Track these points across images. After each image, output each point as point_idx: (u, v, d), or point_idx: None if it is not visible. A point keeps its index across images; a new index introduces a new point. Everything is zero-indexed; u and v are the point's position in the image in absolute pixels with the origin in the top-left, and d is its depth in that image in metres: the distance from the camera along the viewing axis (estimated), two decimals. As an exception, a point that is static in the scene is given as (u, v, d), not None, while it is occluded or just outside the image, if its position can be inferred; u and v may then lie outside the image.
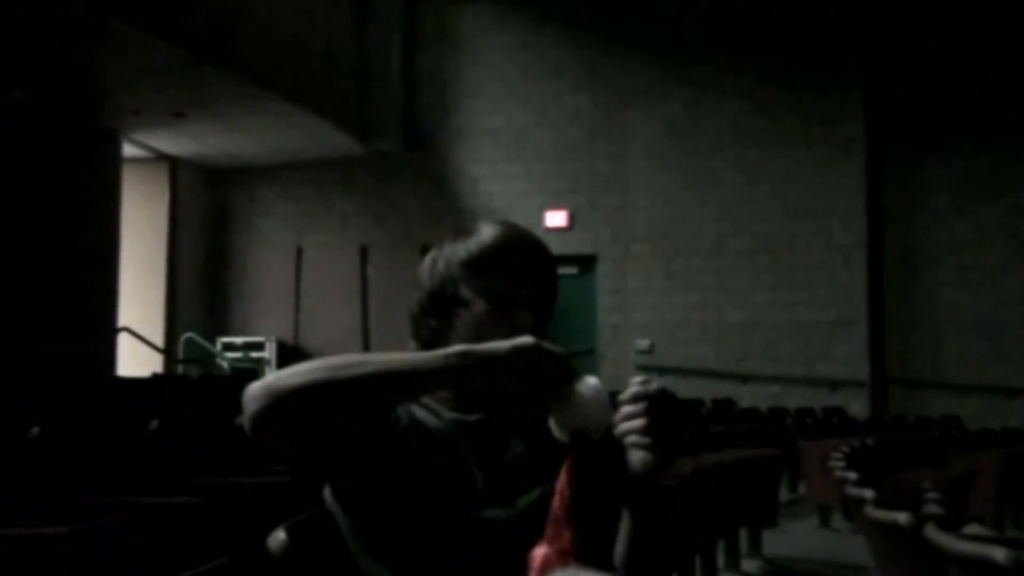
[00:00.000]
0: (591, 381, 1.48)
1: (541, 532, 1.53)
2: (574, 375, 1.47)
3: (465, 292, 1.64)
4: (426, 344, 1.69)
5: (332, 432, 1.44)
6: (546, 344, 1.45)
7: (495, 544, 1.55)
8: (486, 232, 1.68)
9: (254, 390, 1.39)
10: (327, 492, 1.60)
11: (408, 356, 1.44)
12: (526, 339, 1.44)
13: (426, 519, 1.54)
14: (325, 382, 1.39)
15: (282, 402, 1.38)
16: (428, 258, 1.72)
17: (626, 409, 1.53)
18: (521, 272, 1.65)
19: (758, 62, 13.09)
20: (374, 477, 1.53)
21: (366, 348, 13.18)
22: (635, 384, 1.55)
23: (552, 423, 1.48)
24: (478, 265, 1.65)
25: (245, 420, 1.41)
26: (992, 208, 12.60)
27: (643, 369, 12.53)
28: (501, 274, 1.64)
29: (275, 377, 1.41)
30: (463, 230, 1.72)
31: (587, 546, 1.44)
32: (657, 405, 1.52)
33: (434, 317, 1.67)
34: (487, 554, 1.55)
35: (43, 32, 9.16)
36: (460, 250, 1.68)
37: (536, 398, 1.46)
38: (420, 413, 1.62)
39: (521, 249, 1.67)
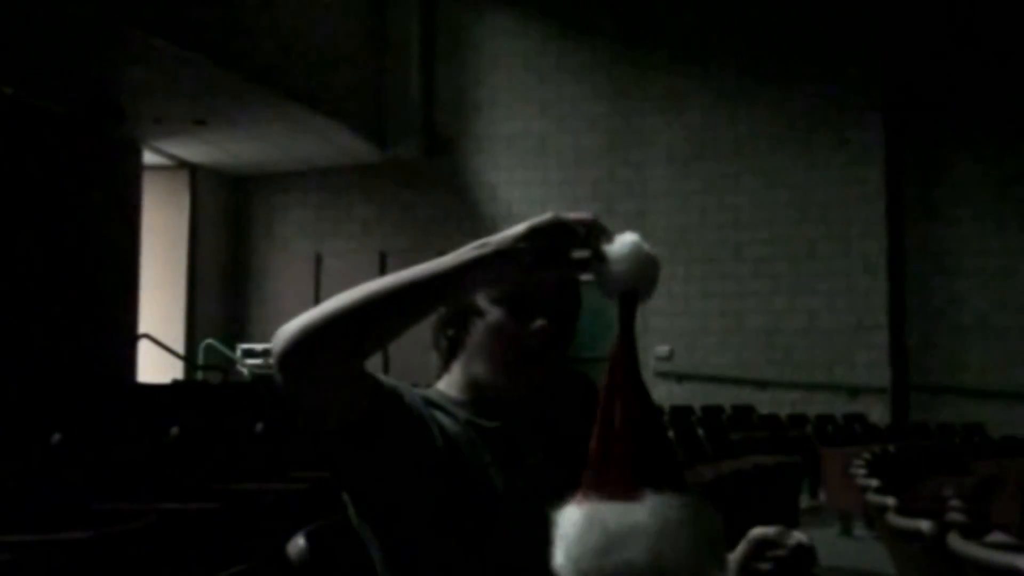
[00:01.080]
0: (628, 237, 1.44)
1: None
2: (605, 234, 1.43)
3: (481, 302, 1.64)
4: (444, 354, 1.70)
5: (367, 353, 1.42)
6: (565, 214, 1.42)
7: (515, 546, 1.55)
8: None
9: (286, 329, 1.39)
10: (352, 512, 1.60)
11: (430, 263, 1.41)
12: (543, 215, 1.41)
13: (446, 522, 1.54)
14: (354, 303, 1.38)
15: (316, 330, 1.37)
16: None
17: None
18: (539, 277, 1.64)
19: (777, 68, 13.05)
20: (404, 478, 1.53)
21: (384, 353, 13.20)
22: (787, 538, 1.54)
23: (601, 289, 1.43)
24: None
25: (277, 361, 1.39)
26: (1013, 214, 12.52)
27: (662, 376, 12.49)
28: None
29: (305, 314, 1.40)
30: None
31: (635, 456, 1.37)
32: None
33: (451, 326, 1.68)
34: (507, 556, 1.54)
35: (64, 41, 9.22)
36: None
37: (568, 274, 1.44)
38: (441, 418, 1.62)
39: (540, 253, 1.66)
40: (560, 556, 1.35)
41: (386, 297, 1.39)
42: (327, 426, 1.50)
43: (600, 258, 1.41)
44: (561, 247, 1.40)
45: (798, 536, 1.53)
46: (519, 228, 1.40)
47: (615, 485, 1.35)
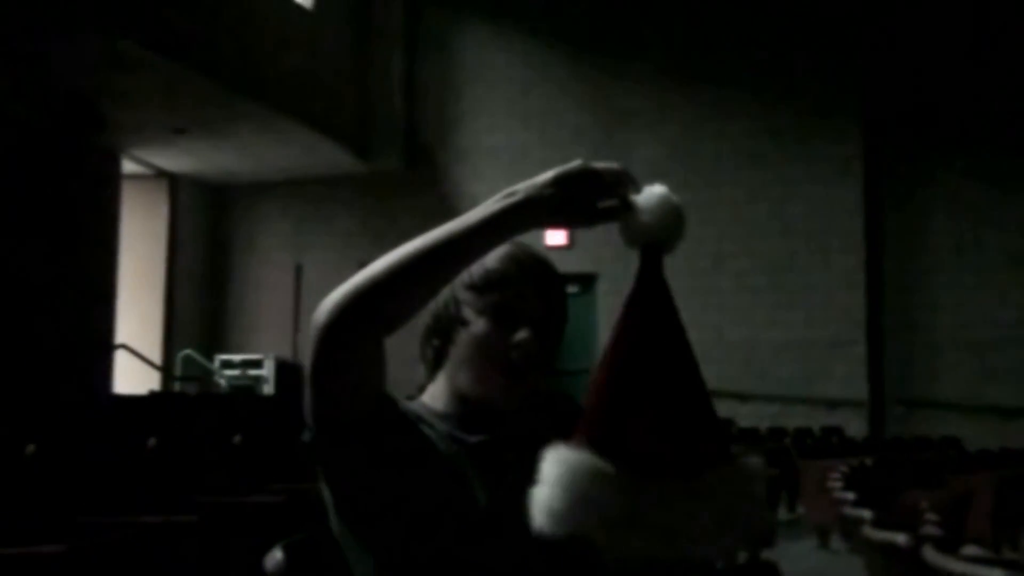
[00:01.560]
0: (657, 189, 1.44)
1: (547, 551, 1.52)
2: (634, 183, 1.43)
3: (466, 312, 1.64)
4: (430, 364, 1.70)
5: (409, 315, 1.46)
6: (593, 163, 1.43)
7: (498, 562, 1.55)
8: (491, 254, 1.69)
9: (330, 299, 1.45)
10: (328, 504, 1.60)
11: (460, 219, 1.45)
12: (572, 163, 1.42)
13: (430, 535, 1.54)
14: (394, 266, 1.44)
15: (363, 295, 1.43)
16: None
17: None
18: (522, 289, 1.64)
19: (758, 83, 13.12)
20: (390, 485, 1.54)
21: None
22: None
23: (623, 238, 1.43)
24: (480, 285, 1.64)
25: (322, 330, 1.44)
26: (991, 228, 12.61)
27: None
28: (501, 290, 1.63)
29: (347, 283, 1.46)
30: None
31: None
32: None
33: (436, 336, 1.68)
34: (493, 568, 1.55)
35: (43, 49, 9.18)
36: (465, 273, 1.67)
37: (595, 223, 1.45)
38: (425, 430, 1.62)
39: (522, 266, 1.66)
40: (542, 497, 1.35)
41: (423, 257, 1.44)
42: (341, 415, 1.50)
43: (627, 207, 1.42)
44: (589, 195, 1.42)
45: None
46: (547, 175, 1.42)
47: (598, 435, 1.35)
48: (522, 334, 1.60)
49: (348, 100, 13.39)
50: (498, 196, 1.44)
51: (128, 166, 12.47)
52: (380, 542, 1.55)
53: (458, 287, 1.66)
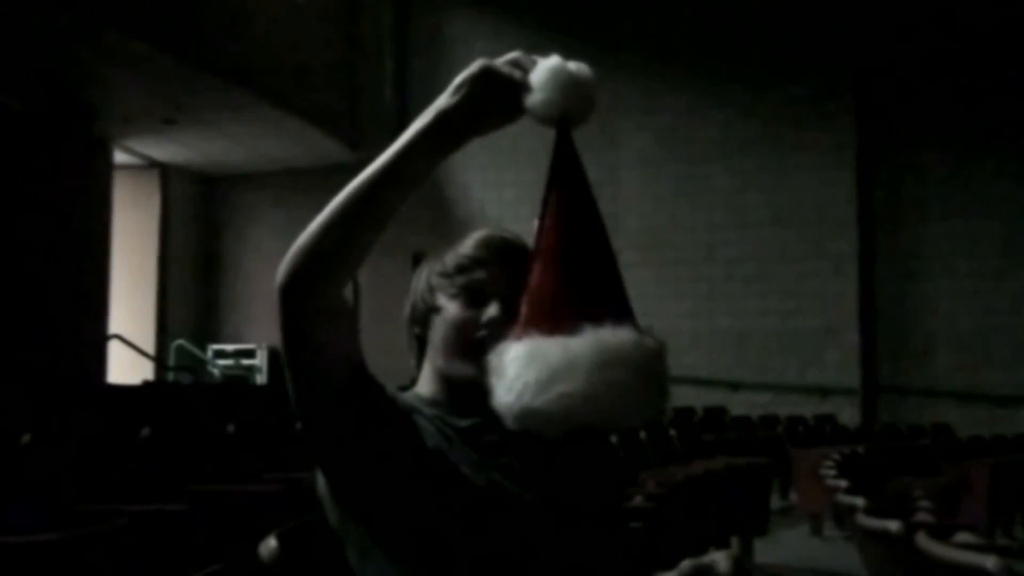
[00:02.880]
0: (547, 62, 1.41)
1: (545, 531, 1.53)
2: (531, 64, 1.42)
3: (440, 298, 1.68)
4: (416, 353, 1.72)
5: (359, 259, 1.48)
6: (492, 60, 1.44)
7: (496, 544, 1.55)
8: (465, 240, 1.72)
9: (280, 267, 1.46)
10: (323, 491, 1.60)
11: (387, 151, 1.48)
12: (471, 66, 1.43)
13: (427, 519, 1.54)
14: (332, 213, 1.46)
15: (309, 246, 1.44)
16: (418, 268, 1.77)
17: None
18: (490, 269, 1.67)
19: (749, 70, 13.12)
20: (383, 469, 1.54)
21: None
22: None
23: (536, 119, 1.43)
24: (451, 271, 1.69)
25: (280, 292, 1.46)
26: (983, 216, 12.62)
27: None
28: (470, 273, 1.67)
29: (295, 242, 1.47)
30: (452, 240, 1.75)
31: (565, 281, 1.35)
32: None
33: (416, 324, 1.72)
34: (490, 549, 1.55)
35: (33, 39, 9.15)
36: (439, 261, 1.72)
37: (507, 118, 1.47)
38: (417, 418, 1.63)
39: (491, 247, 1.69)
40: (501, 392, 1.37)
41: (355, 198, 1.46)
42: (328, 384, 1.51)
43: (528, 90, 1.41)
44: (493, 91, 1.43)
45: (727, 559, 1.49)
46: (451, 86, 1.44)
47: (553, 319, 1.36)
48: (491, 311, 1.63)
49: (339, 90, 13.36)
50: (419, 118, 1.46)
51: (119, 156, 12.43)
52: (378, 526, 1.56)
53: (432, 275, 1.71)
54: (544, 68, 1.40)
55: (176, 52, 9.88)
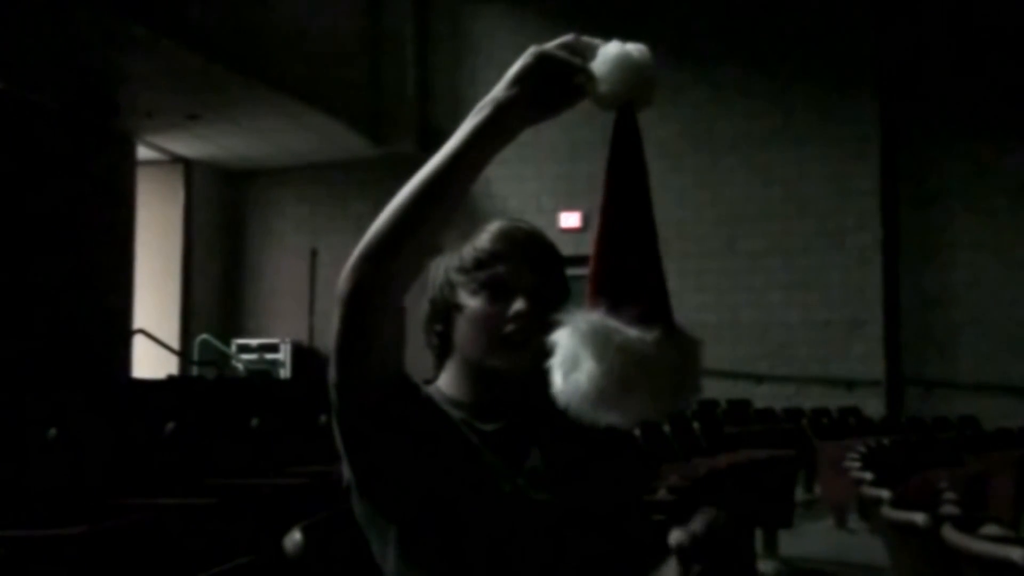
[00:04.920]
0: (610, 49, 1.40)
1: (567, 538, 1.52)
2: (591, 49, 1.40)
3: (461, 295, 1.65)
4: (437, 352, 1.71)
5: (425, 255, 1.49)
6: (546, 46, 1.41)
7: (522, 547, 1.55)
8: (482, 234, 1.70)
9: (343, 272, 1.46)
10: (352, 487, 1.60)
11: (444, 147, 1.51)
12: (526, 55, 1.42)
13: (453, 520, 1.54)
14: (394, 214, 1.47)
15: (374, 247, 1.45)
16: (432, 264, 1.73)
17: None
18: (512, 262, 1.64)
19: (772, 62, 13.06)
20: (411, 469, 1.54)
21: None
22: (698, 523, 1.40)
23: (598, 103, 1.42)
24: (471, 266, 1.66)
25: (344, 296, 1.45)
26: (1008, 207, 12.53)
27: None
28: (491, 267, 1.64)
29: (358, 246, 1.47)
30: (469, 233, 1.73)
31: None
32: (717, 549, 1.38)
33: (438, 323, 1.69)
34: (514, 556, 1.55)
35: (57, 34, 9.20)
36: (456, 256, 1.69)
37: (568, 104, 1.45)
38: (442, 417, 1.62)
39: (511, 241, 1.67)
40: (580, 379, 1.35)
41: (419, 199, 1.47)
42: (365, 385, 1.51)
43: (590, 78, 1.40)
44: (552, 80, 1.42)
45: (702, 520, 1.41)
46: (508, 75, 1.44)
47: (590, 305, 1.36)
48: (518, 305, 1.61)
49: (362, 84, 13.37)
50: (471, 115, 1.47)
51: (143, 152, 12.49)
52: (402, 523, 1.56)
53: (451, 271, 1.68)
54: (607, 56, 1.38)
55: (199, 47, 9.91)
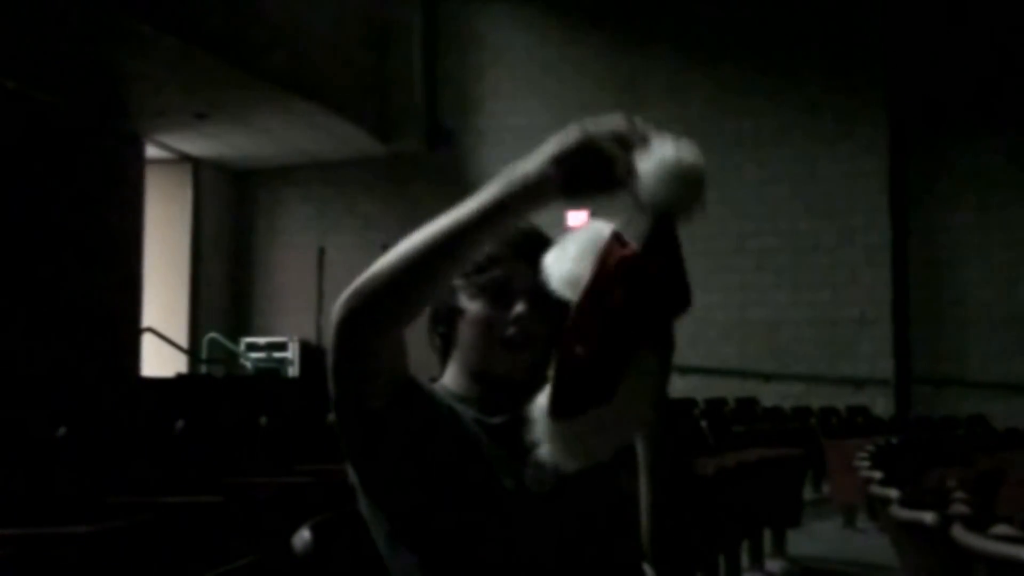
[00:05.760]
0: (662, 153, 1.30)
1: (569, 529, 1.52)
2: (642, 141, 1.31)
3: (462, 299, 1.65)
4: (440, 352, 1.71)
5: (422, 306, 1.46)
6: (594, 128, 1.33)
7: (524, 543, 1.55)
8: None
9: (338, 303, 1.44)
10: (356, 485, 1.60)
11: (464, 206, 1.40)
12: (571, 134, 1.34)
13: (456, 517, 1.54)
14: (400, 264, 1.41)
15: (372, 295, 1.42)
16: None
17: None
18: (512, 265, 1.64)
19: (780, 60, 13.04)
20: (415, 467, 1.54)
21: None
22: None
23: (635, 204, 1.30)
24: (471, 269, 1.65)
25: (338, 328, 1.44)
26: (1018, 204, 12.49)
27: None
28: (491, 270, 1.64)
29: (359, 279, 1.44)
30: None
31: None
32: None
33: (441, 324, 1.70)
34: (516, 553, 1.55)
35: (66, 34, 9.22)
36: None
37: (604, 193, 1.35)
38: (447, 412, 1.62)
39: (511, 243, 1.66)
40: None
41: (429, 253, 1.40)
42: (362, 404, 1.51)
43: (632, 174, 1.29)
44: (593, 169, 1.33)
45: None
46: (547, 151, 1.35)
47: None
48: (518, 308, 1.61)
49: (369, 83, 13.38)
50: (501, 177, 1.38)
51: (151, 151, 12.52)
52: (405, 521, 1.56)
53: None
54: (656, 160, 1.27)
55: (207, 46, 9.93)
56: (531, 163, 1.36)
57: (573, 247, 1.38)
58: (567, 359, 1.30)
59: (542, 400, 1.34)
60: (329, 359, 1.49)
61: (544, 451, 1.34)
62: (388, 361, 1.51)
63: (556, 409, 1.31)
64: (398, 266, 1.42)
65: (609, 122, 1.34)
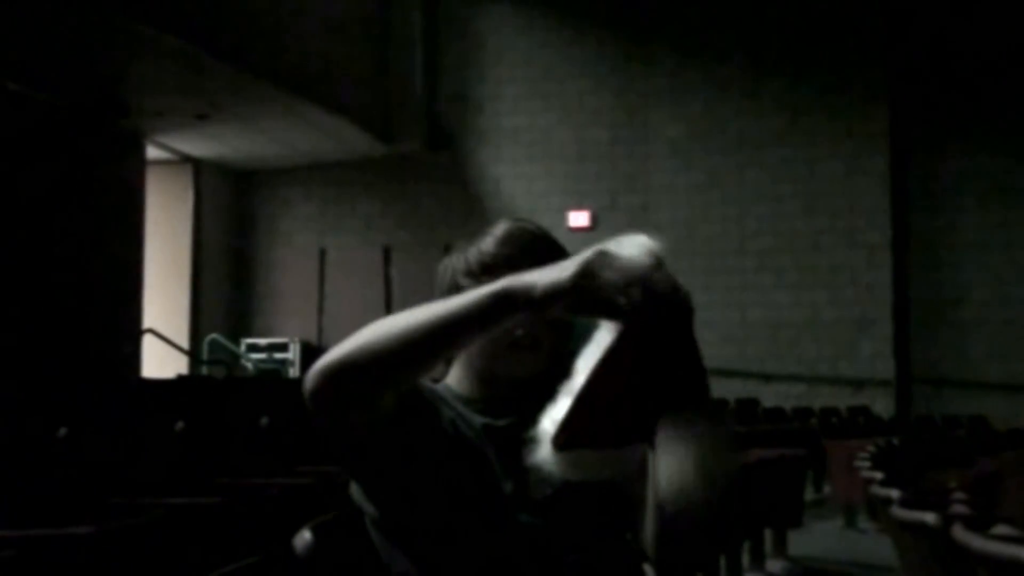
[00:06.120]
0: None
1: (570, 535, 1.52)
2: (637, 289, 1.26)
3: None
4: None
5: (385, 399, 1.43)
6: (604, 251, 1.29)
7: (523, 547, 1.55)
8: (488, 236, 1.66)
9: (309, 374, 1.39)
10: (355, 490, 1.60)
11: (449, 304, 1.35)
12: (583, 258, 1.29)
13: (456, 521, 1.54)
14: (371, 348, 1.35)
15: (334, 371, 1.37)
16: (441, 265, 1.71)
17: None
18: (518, 265, 1.56)
19: (781, 60, 13.04)
20: (412, 473, 1.54)
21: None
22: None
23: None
24: (478, 271, 1.63)
25: (307, 402, 1.41)
26: (1018, 205, 12.50)
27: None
28: (499, 272, 1.58)
29: (329, 353, 1.38)
30: (474, 235, 1.70)
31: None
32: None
33: None
34: (515, 556, 1.55)
35: (67, 35, 9.22)
36: (462, 260, 1.66)
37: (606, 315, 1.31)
38: (450, 414, 1.62)
39: (519, 245, 1.64)
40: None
41: (412, 343, 1.35)
42: (346, 445, 1.51)
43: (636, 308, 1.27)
44: (601, 302, 1.28)
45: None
46: (563, 274, 1.29)
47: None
48: (520, 315, 1.59)
49: (370, 84, 13.38)
50: (495, 288, 1.33)
51: (152, 152, 12.51)
52: (403, 523, 1.56)
53: (458, 275, 1.65)
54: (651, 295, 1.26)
55: (208, 47, 9.92)
56: (541, 277, 1.32)
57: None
58: (589, 394, 1.30)
59: (548, 425, 1.33)
60: (307, 404, 1.45)
61: (545, 464, 1.33)
62: (366, 418, 1.46)
63: (561, 442, 1.32)
64: (381, 347, 1.36)
65: (629, 253, 1.30)
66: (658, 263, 1.31)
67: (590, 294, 1.28)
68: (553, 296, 1.29)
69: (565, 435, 1.31)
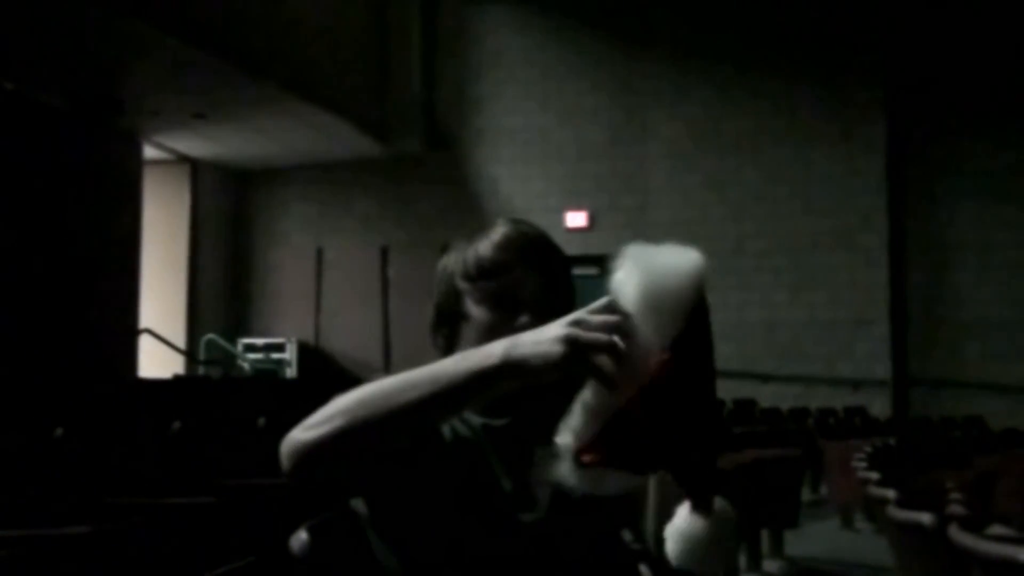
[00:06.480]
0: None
1: (569, 535, 1.52)
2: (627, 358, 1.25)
3: (467, 304, 1.62)
4: (443, 352, 1.69)
5: (369, 465, 1.39)
6: (585, 335, 1.25)
7: (522, 547, 1.55)
8: (486, 239, 1.65)
9: (283, 447, 1.35)
10: (358, 503, 1.60)
11: (435, 373, 1.31)
12: (564, 334, 1.25)
13: (453, 522, 1.54)
14: (349, 427, 1.31)
15: (309, 457, 1.33)
16: (439, 265, 1.70)
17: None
18: (519, 273, 1.61)
19: (778, 62, 13.04)
20: (410, 474, 1.53)
21: (386, 348, 13.20)
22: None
23: None
24: (476, 275, 1.62)
25: (285, 473, 1.38)
26: (1015, 206, 12.50)
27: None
28: (497, 277, 1.61)
29: (300, 430, 1.34)
30: (472, 235, 1.68)
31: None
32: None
33: (444, 326, 1.67)
34: (514, 556, 1.55)
35: (64, 34, 9.21)
36: (460, 262, 1.65)
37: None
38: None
39: (518, 249, 1.63)
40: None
41: (387, 417, 1.31)
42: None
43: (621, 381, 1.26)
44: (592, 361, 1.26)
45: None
46: (547, 353, 1.25)
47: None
48: (523, 319, 1.57)
49: (368, 84, 13.38)
50: (488, 359, 1.28)
51: (149, 151, 12.51)
52: (402, 530, 1.55)
53: (456, 278, 1.64)
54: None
55: (205, 46, 9.92)
56: (536, 348, 1.27)
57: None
58: (626, 415, 1.29)
59: (566, 438, 1.31)
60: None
61: (566, 480, 1.32)
62: (349, 475, 1.43)
63: (586, 462, 1.32)
64: (356, 419, 1.31)
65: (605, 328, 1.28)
66: (630, 327, 1.30)
67: (579, 367, 1.25)
68: (544, 371, 1.26)
69: (590, 456, 1.31)
